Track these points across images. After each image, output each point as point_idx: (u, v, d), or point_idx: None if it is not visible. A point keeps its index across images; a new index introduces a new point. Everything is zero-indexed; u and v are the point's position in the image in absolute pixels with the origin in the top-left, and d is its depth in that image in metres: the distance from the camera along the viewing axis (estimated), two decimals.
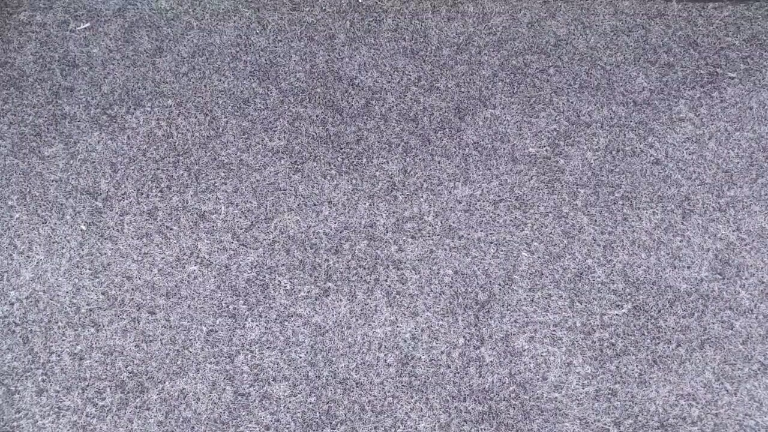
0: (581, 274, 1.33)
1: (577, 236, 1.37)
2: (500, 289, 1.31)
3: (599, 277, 1.33)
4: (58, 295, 1.31)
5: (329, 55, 1.63)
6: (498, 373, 1.23)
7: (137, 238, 1.37)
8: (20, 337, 1.27)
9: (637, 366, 1.23)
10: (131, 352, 1.25)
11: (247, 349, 1.25)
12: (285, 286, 1.32)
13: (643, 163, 1.46)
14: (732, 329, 1.27)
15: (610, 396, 1.21)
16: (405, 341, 1.26)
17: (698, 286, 1.31)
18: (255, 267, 1.34)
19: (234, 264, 1.34)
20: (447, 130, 1.51)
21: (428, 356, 1.25)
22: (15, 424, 1.19)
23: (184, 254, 1.35)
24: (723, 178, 1.44)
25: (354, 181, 1.44)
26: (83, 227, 1.39)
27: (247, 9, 1.71)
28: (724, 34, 1.65)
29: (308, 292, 1.31)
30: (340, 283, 1.32)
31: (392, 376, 1.23)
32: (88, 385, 1.22)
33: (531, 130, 1.51)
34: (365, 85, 1.58)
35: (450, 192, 1.42)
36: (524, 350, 1.25)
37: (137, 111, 1.54)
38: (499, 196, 1.42)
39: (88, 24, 1.68)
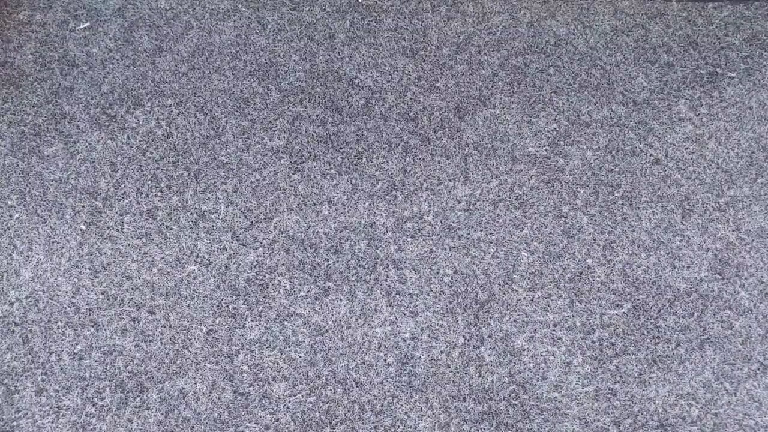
0: (581, 273, 1.33)
1: (576, 236, 1.37)
2: (500, 289, 1.31)
3: (599, 276, 1.33)
4: (57, 295, 1.31)
5: (329, 55, 1.63)
6: (498, 373, 1.23)
7: (137, 238, 1.37)
8: (20, 336, 1.27)
9: (636, 366, 1.23)
10: (131, 351, 1.25)
11: (247, 349, 1.25)
12: (285, 286, 1.32)
13: (643, 162, 1.46)
14: (731, 329, 1.27)
15: (609, 396, 1.21)
16: (405, 341, 1.26)
17: (698, 286, 1.31)
18: (255, 267, 1.34)
19: (234, 264, 1.34)
20: (447, 129, 1.51)
21: (428, 356, 1.25)
22: (15, 423, 1.19)
23: (184, 254, 1.35)
24: (723, 178, 1.44)
25: (354, 181, 1.44)
26: (83, 227, 1.38)
27: (247, 9, 1.71)
28: (724, 34, 1.65)
29: (308, 291, 1.31)
30: (340, 282, 1.32)
31: (392, 375, 1.23)
32: (87, 385, 1.22)
33: (531, 129, 1.51)
34: (365, 84, 1.58)
35: (450, 192, 1.42)
36: (524, 350, 1.25)
37: (137, 111, 1.54)
38: (498, 195, 1.42)
39: (87, 23, 1.68)
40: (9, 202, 1.41)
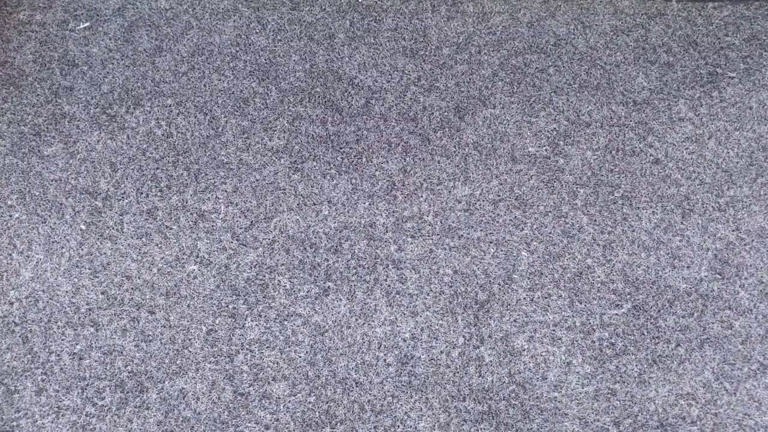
0: (581, 273, 1.33)
1: (576, 236, 1.37)
2: (500, 289, 1.31)
3: (599, 276, 1.33)
4: (57, 295, 1.31)
5: (329, 55, 1.63)
6: (497, 373, 1.23)
7: (137, 238, 1.37)
8: (20, 336, 1.27)
9: (636, 366, 1.24)
10: (131, 351, 1.25)
11: (247, 349, 1.26)
12: (285, 286, 1.32)
13: (642, 162, 1.46)
14: (731, 329, 1.27)
15: (609, 396, 1.21)
16: (404, 341, 1.26)
17: (698, 286, 1.31)
18: (255, 267, 1.34)
19: (234, 264, 1.34)
20: (447, 129, 1.51)
21: (428, 356, 1.25)
22: (14, 423, 1.19)
23: (184, 254, 1.35)
24: (723, 178, 1.44)
25: (354, 181, 1.44)
26: (83, 227, 1.38)
27: (246, 8, 1.71)
28: (724, 34, 1.65)
29: (308, 291, 1.31)
30: (340, 282, 1.32)
31: (392, 375, 1.23)
32: (87, 385, 1.22)
33: (531, 129, 1.51)
34: (365, 84, 1.58)
35: (450, 192, 1.42)
36: (524, 350, 1.25)
37: (137, 110, 1.54)
38: (498, 195, 1.42)
39: (87, 23, 1.68)
40: (9, 202, 1.42)
